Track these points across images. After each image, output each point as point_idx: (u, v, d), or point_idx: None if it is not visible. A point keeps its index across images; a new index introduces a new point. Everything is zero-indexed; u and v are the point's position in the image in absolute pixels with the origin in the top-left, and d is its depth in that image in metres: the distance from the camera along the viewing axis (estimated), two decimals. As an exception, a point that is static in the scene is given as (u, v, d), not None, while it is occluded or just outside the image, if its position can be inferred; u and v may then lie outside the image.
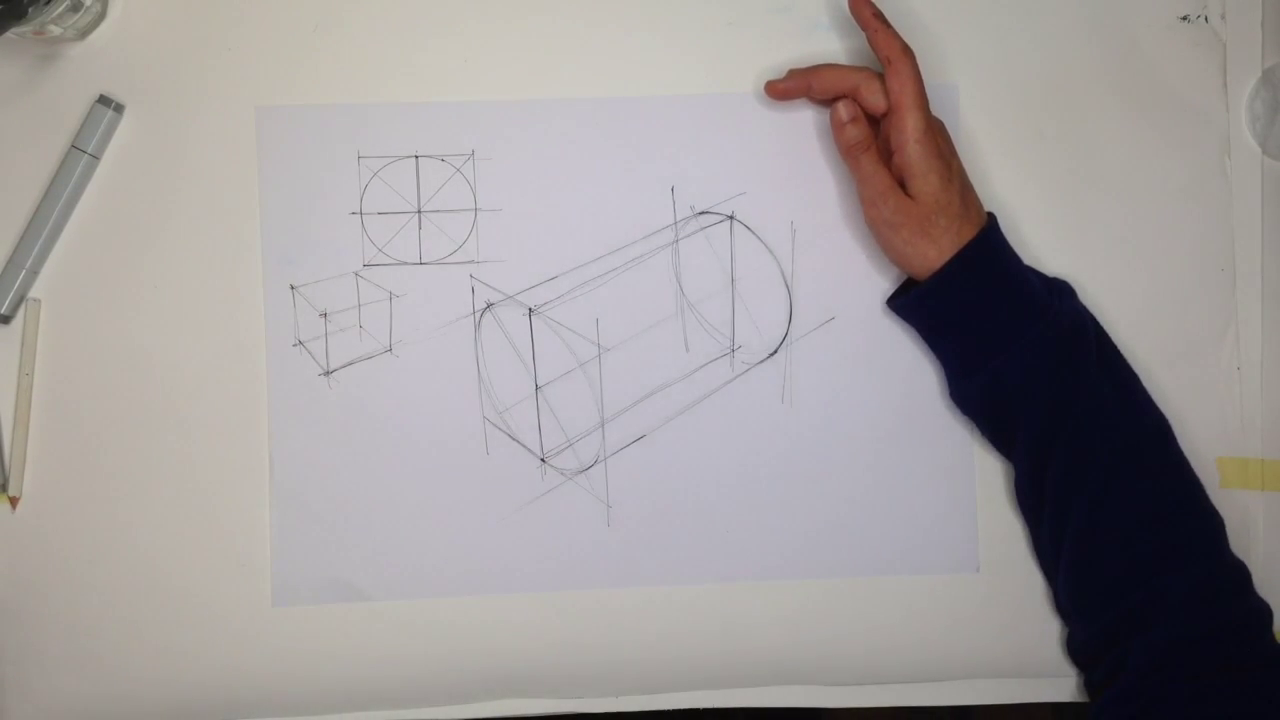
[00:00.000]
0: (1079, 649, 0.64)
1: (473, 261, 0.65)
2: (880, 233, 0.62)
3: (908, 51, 0.60)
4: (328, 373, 0.64)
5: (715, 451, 0.65)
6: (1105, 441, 0.60)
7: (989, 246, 0.61)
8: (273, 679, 0.64)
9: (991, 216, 0.63)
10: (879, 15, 0.61)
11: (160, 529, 0.64)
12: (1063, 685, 0.65)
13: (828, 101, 0.63)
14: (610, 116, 0.65)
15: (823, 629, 0.65)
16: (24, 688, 0.63)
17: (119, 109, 0.64)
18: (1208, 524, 0.61)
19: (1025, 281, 0.62)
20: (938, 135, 0.61)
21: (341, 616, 0.64)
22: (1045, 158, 0.66)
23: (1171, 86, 0.67)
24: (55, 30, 0.61)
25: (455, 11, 0.65)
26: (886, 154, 0.62)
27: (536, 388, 0.65)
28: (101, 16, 0.64)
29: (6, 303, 0.63)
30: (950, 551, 0.66)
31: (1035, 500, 0.63)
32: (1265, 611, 0.60)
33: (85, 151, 0.63)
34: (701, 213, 0.66)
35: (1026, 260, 0.64)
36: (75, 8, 0.61)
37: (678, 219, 0.65)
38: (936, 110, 0.62)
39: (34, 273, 0.63)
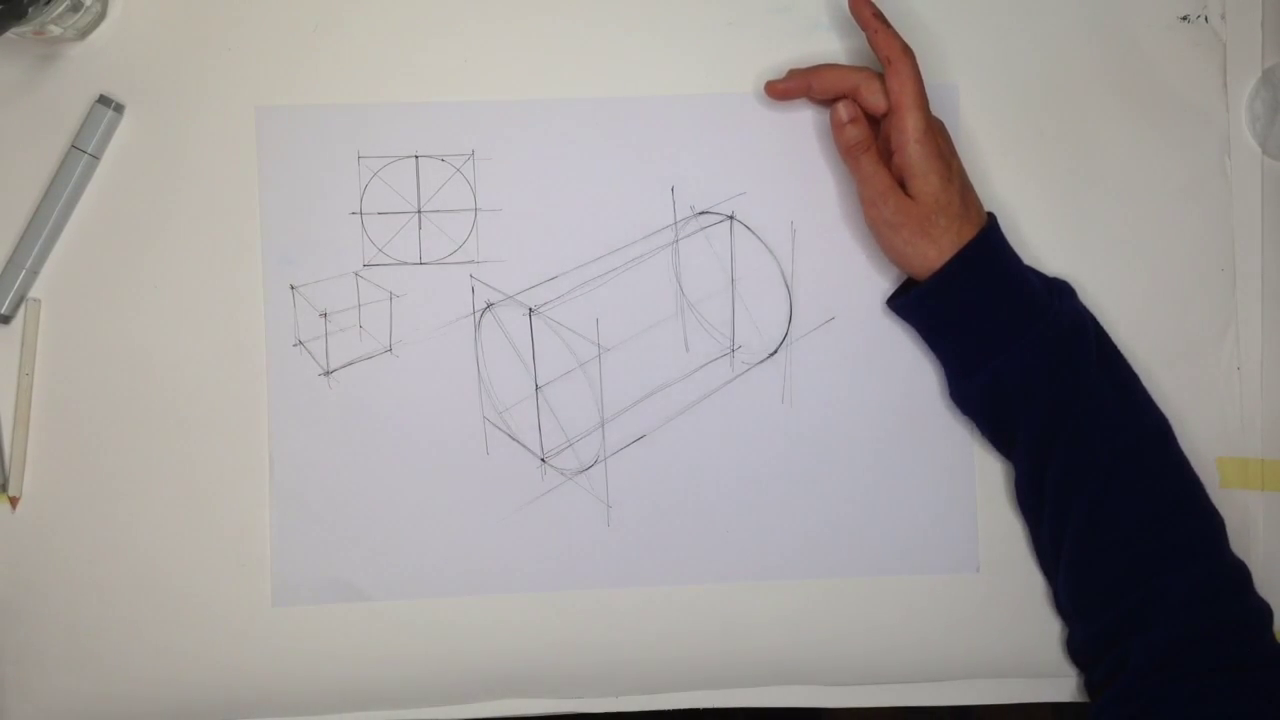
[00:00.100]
0: (1079, 649, 0.64)
1: (473, 261, 0.65)
2: (880, 233, 0.62)
3: (908, 51, 0.60)
4: (328, 373, 0.64)
5: (715, 451, 0.65)
6: (1105, 441, 0.60)
7: (989, 246, 0.61)
8: (273, 679, 0.64)
9: (991, 216, 0.63)
10: (879, 15, 0.61)
11: (160, 529, 0.64)
12: (1063, 685, 0.65)
13: (828, 101, 0.63)
14: (610, 116, 0.65)
15: (823, 629, 0.65)
16: (24, 688, 0.63)
17: (119, 109, 0.64)
18: (1208, 524, 0.61)
19: (1025, 281, 0.62)
20: (938, 135, 0.61)
21: (341, 616, 0.64)
22: (1045, 158, 0.66)
23: (1171, 86, 0.67)
24: (55, 30, 0.61)
25: (455, 11, 0.65)
26: (886, 154, 0.62)
27: (536, 388, 0.65)
28: (101, 16, 0.64)
29: (6, 303, 0.63)
30: (950, 551, 0.66)
31: (1035, 500, 0.63)
32: (1265, 611, 0.60)
33: (85, 151, 0.63)
34: (701, 213, 0.66)
35: (1026, 260, 0.64)
36: (75, 8, 0.61)
37: (678, 219, 0.65)
38: (936, 110, 0.62)
39: (34, 273, 0.63)
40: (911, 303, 0.63)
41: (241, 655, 0.64)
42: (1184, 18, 0.67)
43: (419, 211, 0.65)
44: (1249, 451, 0.66)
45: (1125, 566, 0.60)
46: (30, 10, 0.57)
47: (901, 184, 0.61)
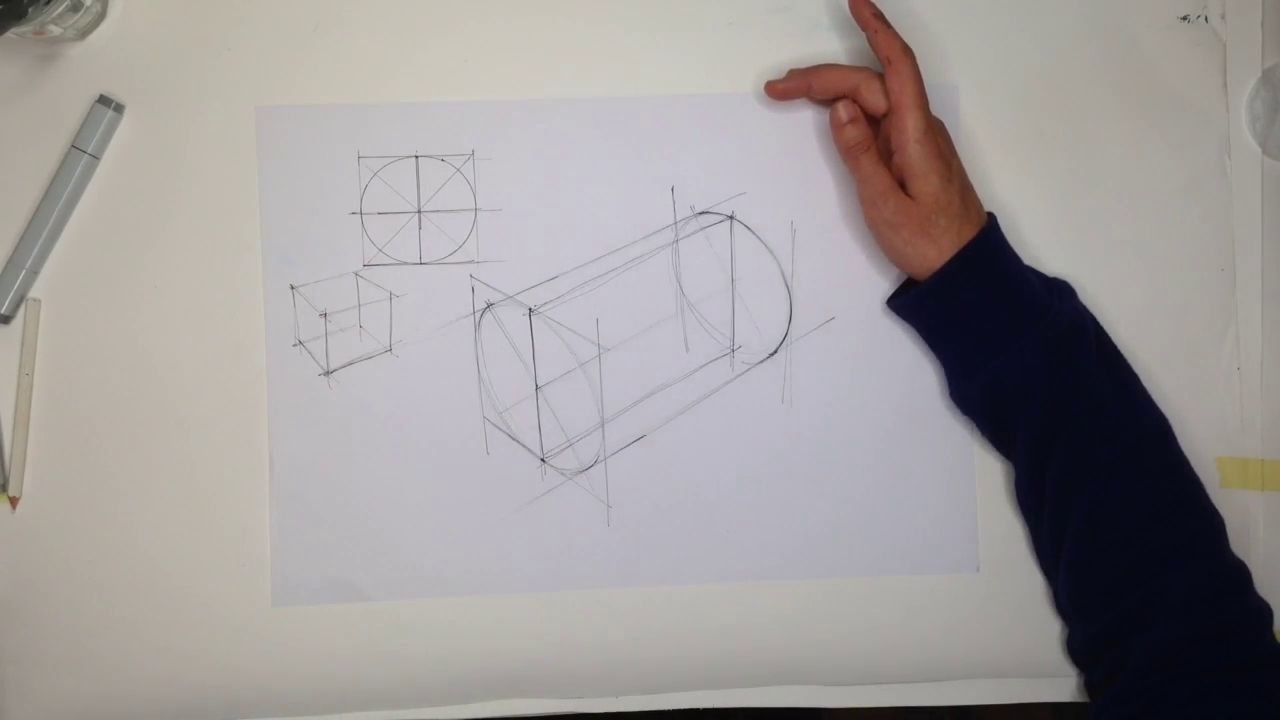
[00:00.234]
0: (1079, 649, 0.64)
1: (473, 261, 0.65)
2: (880, 233, 0.62)
3: (908, 51, 0.60)
4: (328, 373, 0.64)
5: (715, 451, 0.65)
6: (1105, 441, 0.60)
7: (989, 246, 0.61)
8: (273, 679, 0.64)
9: (991, 216, 0.63)
10: (879, 15, 0.61)
11: (160, 529, 0.64)
12: (1063, 685, 0.65)
13: (828, 102, 0.63)
14: (610, 116, 0.65)
15: (823, 629, 0.65)
16: (24, 688, 0.63)
17: (119, 109, 0.64)
18: (1207, 524, 0.61)
19: (1025, 281, 0.62)
20: (938, 135, 0.61)
21: (341, 616, 0.64)
22: (1045, 158, 0.66)
23: (1171, 86, 0.67)
24: (55, 30, 0.61)
25: (455, 11, 0.65)
26: (886, 154, 0.62)
27: (536, 388, 0.65)
28: (101, 16, 0.64)
29: (6, 303, 0.63)
30: (950, 551, 0.66)
31: (1035, 500, 0.63)
32: (1265, 611, 0.60)
33: (85, 151, 0.63)
34: (701, 213, 0.66)
35: (1026, 260, 0.64)
36: (75, 8, 0.61)
37: (678, 219, 0.65)
38: (936, 110, 0.62)
39: (34, 273, 0.63)
40: (911, 303, 0.63)
41: (241, 655, 0.64)
42: (1184, 18, 0.67)
43: (419, 211, 0.65)
44: (1249, 451, 0.66)
45: (1125, 566, 0.60)
46: (30, 10, 0.57)
47: (901, 184, 0.61)
